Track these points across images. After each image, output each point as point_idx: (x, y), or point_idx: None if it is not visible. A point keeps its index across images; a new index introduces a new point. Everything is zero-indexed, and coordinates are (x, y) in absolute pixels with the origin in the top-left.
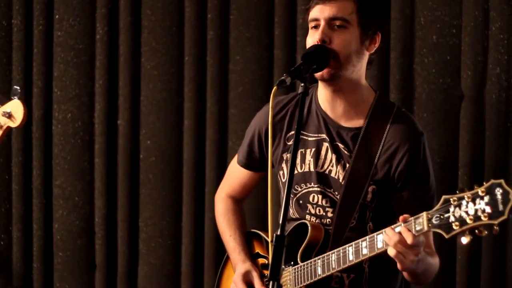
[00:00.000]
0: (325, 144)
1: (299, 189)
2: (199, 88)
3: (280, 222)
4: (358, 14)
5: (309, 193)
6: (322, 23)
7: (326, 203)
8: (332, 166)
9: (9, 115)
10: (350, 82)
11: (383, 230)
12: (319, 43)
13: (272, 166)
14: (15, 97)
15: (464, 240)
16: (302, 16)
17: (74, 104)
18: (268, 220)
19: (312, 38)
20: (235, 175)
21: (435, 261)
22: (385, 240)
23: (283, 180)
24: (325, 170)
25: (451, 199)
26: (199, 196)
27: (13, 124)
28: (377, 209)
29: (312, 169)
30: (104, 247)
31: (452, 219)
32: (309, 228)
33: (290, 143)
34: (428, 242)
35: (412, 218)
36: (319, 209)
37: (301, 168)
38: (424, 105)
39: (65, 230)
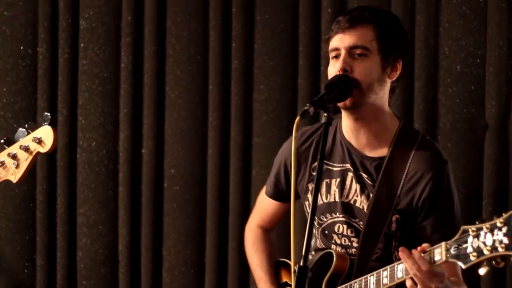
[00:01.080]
0: (350, 174)
1: (325, 219)
2: (223, 117)
3: (303, 253)
4: (378, 41)
5: (334, 223)
6: (343, 52)
7: (351, 233)
8: (357, 196)
9: (39, 141)
10: (372, 110)
11: (405, 257)
12: (341, 73)
13: (298, 197)
14: (46, 123)
15: (482, 271)
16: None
17: (98, 133)
18: (291, 249)
19: (334, 68)
20: (264, 205)
21: None
22: (405, 266)
23: (309, 210)
24: (350, 200)
25: (469, 230)
26: (222, 225)
27: (43, 150)
28: (403, 238)
29: (337, 199)
30: (128, 276)
31: (470, 249)
32: (334, 257)
33: (315, 173)
34: (455, 271)
35: (432, 248)
36: (344, 239)
37: (326, 198)
38: (448, 135)
39: (89, 259)
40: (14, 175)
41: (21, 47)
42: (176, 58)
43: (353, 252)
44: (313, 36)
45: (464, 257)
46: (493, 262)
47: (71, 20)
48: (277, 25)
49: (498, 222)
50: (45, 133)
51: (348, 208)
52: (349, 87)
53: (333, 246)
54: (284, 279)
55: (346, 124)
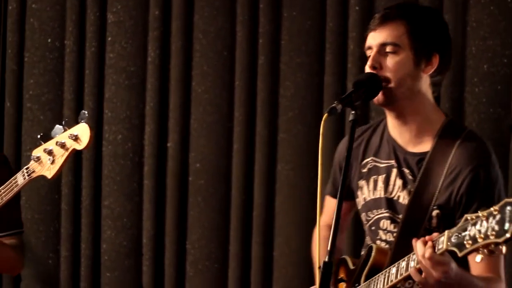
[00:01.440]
0: (394, 170)
1: (372, 216)
2: (249, 112)
3: (329, 248)
4: (409, 36)
5: (379, 219)
6: (374, 49)
7: (394, 228)
8: (400, 192)
9: (75, 138)
10: (411, 105)
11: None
12: (371, 70)
13: (352, 195)
14: (83, 121)
15: (478, 258)
16: (354, 43)
17: (124, 126)
18: (316, 245)
19: (367, 66)
20: (328, 206)
21: (488, 285)
22: (416, 252)
23: (359, 208)
24: (394, 196)
25: (470, 218)
26: (247, 219)
27: (79, 147)
28: None
29: (382, 195)
30: (151, 269)
31: (467, 237)
32: (373, 251)
33: (365, 170)
34: (490, 266)
35: (438, 236)
36: (389, 235)
37: (373, 195)
38: None
39: (113, 251)
40: (49, 170)
41: (49, 40)
42: (203, 53)
43: None
44: (340, 33)
45: (461, 244)
46: (486, 250)
47: (98, 13)
48: (304, 22)
49: (494, 210)
50: (82, 130)
51: (391, 204)
52: (377, 85)
53: (378, 242)
54: (341, 275)
55: (390, 122)
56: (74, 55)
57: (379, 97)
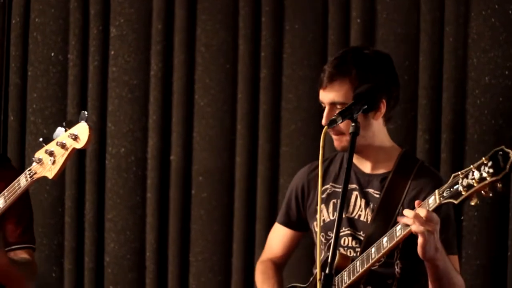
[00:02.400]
0: (355, 193)
1: (331, 235)
2: (251, 126)
3: (329, 260)
4: (354, 92)
5: (340, 237)
6: (326, 107)
7: (355, 244)
8: (361, 211)
9: (75, 137)
10: (367, 147)
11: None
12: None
13: (307, 221)
14: (83, 120)
15: (473, 202)
16: None
17: (127, 139)
18: (317, 258)
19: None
20: (275, 236)
21: (458, 277)
22: (403, 221)
23: (316, 230)
24: (354, 216)
25: (459, 173)
26: (250, 232)
27: (78, 146)
28: (404, 248)
29: (343, 215)
30: (155, 282)
31: (460, 188)
32: (337, 256)
33: (324, 195)
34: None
35: (426, 199)
36: (350, 251)
37: (333, 216)
38: (476, 146)
39: (116, 264)
40: (51, 171)
41: (52, 54)
42: (205, 67)
43: None
44: (342, 46)
45: (455, 195)
46: (483, 192)
47: (101, 27)
48: (306, 35)
49: (484, 159)
50: (81, 129)
51: (352, 222)
52: (376, 97)
53: None
54: None
55: None
56: (77, 69)
57: (337, 147)
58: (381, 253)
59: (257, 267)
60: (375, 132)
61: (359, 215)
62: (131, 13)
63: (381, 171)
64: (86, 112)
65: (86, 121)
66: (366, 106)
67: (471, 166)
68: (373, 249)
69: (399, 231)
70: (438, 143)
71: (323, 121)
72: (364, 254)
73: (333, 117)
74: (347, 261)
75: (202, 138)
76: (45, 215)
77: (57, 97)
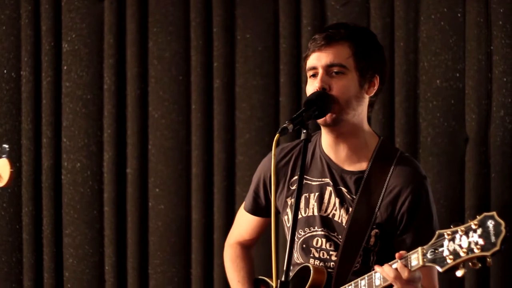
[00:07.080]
0: (329, 188)
1: (303, 233)
2: (206, 136)
3: (285, 268)
4: (355, 58)
5: (312, 237)
6: (320, 71)
7: (330, 246)
8: (336, 210)
9: None
10: (352, 126)
11: (382, 267)
12: (319, 90)
13: (278, 212)
14: (4, 156)
15: (459, 273)
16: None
17: (83, 154)
18: (273, 266)
19: (312, 86)
20: (243, 221)
21: None
22: (383, 275)
23: (288, 225)
24: (328, 214)
25: (445, 234)
26: (208, 242)
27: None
28: (381, 253)
29: (315, 213)
30: None
31: (446, 252)
32: (312, 271)
33: (294, 187)
34: (431, 275)
35: (408, 254)
36: (323, 253)
37: (305, 213)
38: (429, 149)
39: (75, 279)
40: None
41: (5, 71)
42: (158, 79)
43: (332, 266)
44: (293, 54)
45: (440, 260)
46: (470, 263)
47: (53, 43)
48: (258, 44)
49: (473, 224)
50: (2, 166)
51: (326, 222)
52: (327, 103)
53: (311, 260)
54: None
55: (326, 140)
56: (31, 85)
57: (327, 118)
58: None
59: (226, 251)
60: (363, 111)
61: (334, 214)
62: (83, 28)
63: (355, 167)
64: (6, 146)
65: (7, 157)
66: (317, 113)
67: (458, 227)
68: None
69: (378, 281)
70: None
71: (318, 85)
72: None
73: (284, 125)
74: (322, 275)
75: (157, 150)
76: (3, 232)
77: (11, 115)
